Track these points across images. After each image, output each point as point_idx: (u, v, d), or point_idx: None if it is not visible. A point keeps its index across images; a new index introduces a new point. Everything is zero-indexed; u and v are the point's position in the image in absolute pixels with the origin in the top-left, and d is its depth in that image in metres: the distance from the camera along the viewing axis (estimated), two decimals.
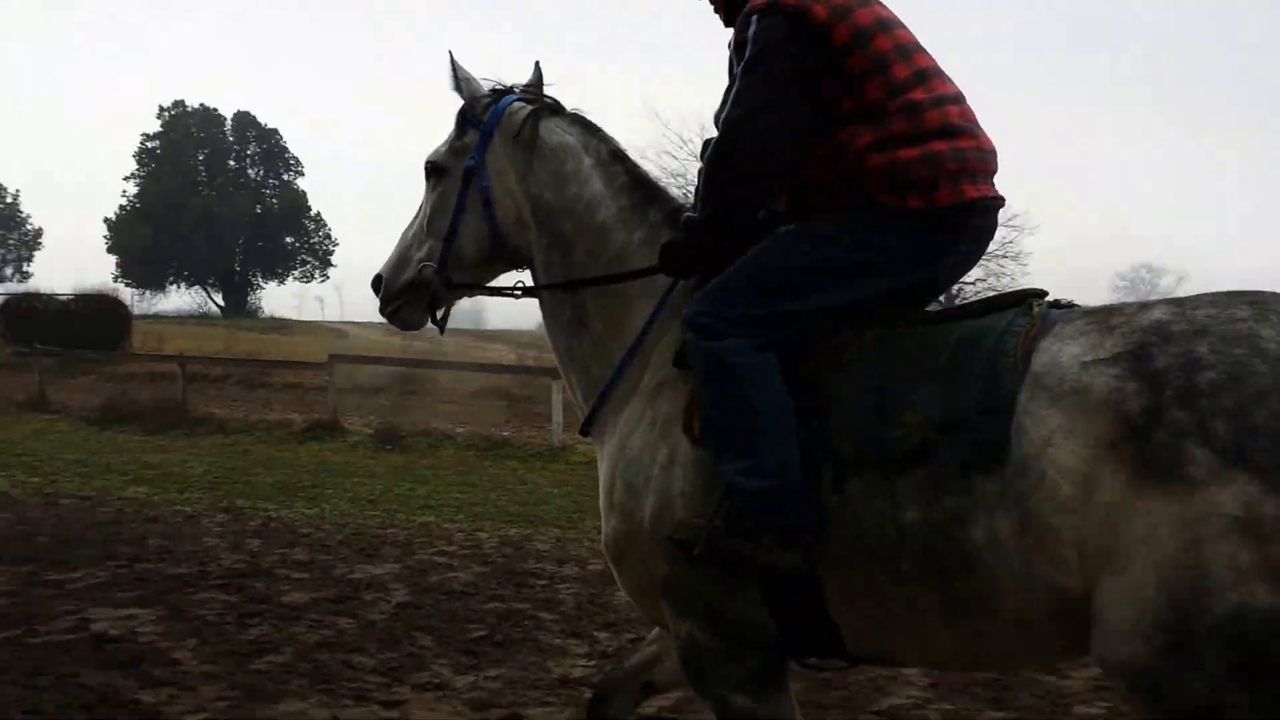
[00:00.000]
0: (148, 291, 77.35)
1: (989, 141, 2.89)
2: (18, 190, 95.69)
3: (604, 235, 3.17)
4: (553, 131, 3.27)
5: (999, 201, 2.89)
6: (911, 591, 2.53)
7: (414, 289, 3.30)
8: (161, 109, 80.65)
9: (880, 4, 2.89)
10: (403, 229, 3.41)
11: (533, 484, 11.86)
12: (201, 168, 79.59)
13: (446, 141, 3.37)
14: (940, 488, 2.47)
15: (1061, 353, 2.45)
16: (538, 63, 3.40)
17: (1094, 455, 2.30)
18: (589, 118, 3.33)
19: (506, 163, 3.26)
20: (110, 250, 77.92)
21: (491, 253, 3.30)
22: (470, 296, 3.49)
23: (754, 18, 2.81)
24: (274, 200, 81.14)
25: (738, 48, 2.89)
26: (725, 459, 2.70)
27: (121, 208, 78.95)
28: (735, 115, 2.80)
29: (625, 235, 3.16)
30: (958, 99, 2.86)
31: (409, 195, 3.55)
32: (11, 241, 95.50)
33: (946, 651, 2.70)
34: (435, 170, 3.35)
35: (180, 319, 60.21)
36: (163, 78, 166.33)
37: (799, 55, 2.75)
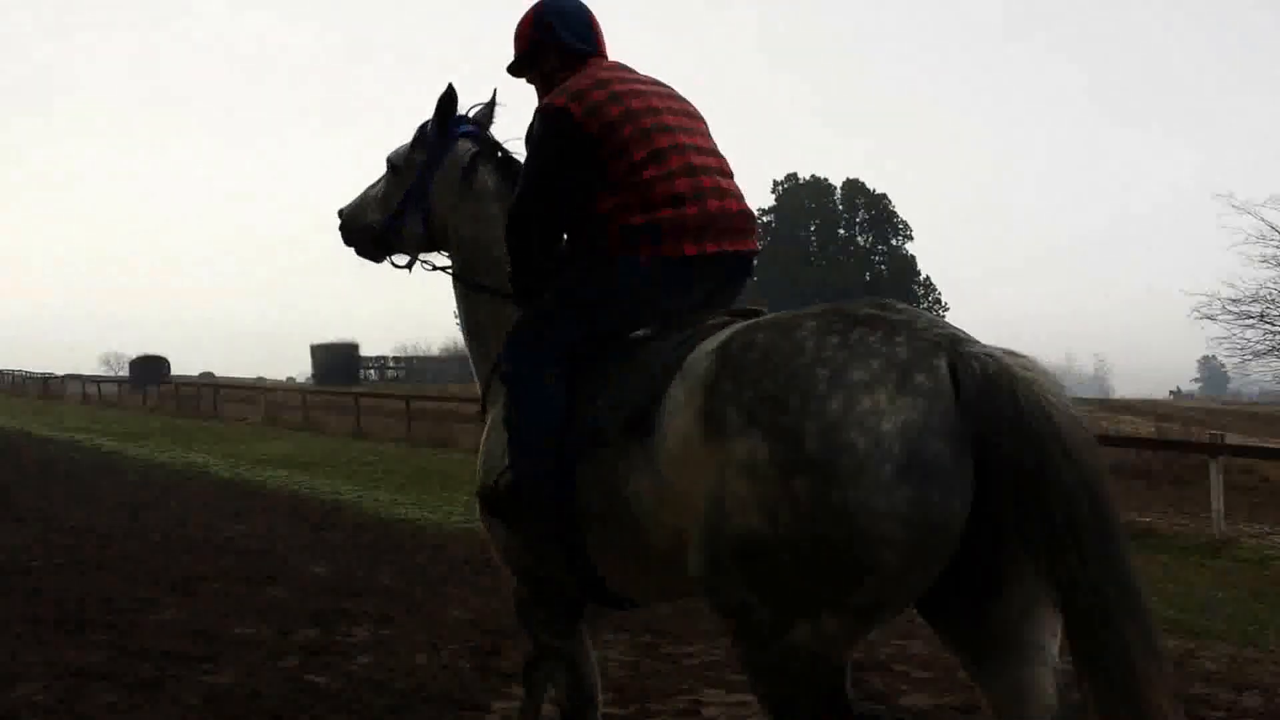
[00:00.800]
0: None
1: (726, 204, 3.57)
2: None
3: (497, 267, 4.00)
4: (480, 177, 4.15)
5: (727, 256, 3.56)
6: (615, 540, 3.26)
7: (366, 234, 4.42)
8: (775, 183, 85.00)
9: (639, 97, 3.60)
10: (368, 183, 4.53)
11: (1190, 584, 9.93)
12: (813, 238, 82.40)
13: (407, 148, 4.30)
14: (619, 459, 3.16)
15: (701, 348, 3.08)
16: (495, 90, 4.35)
17: (692, 421, 2.90)
18: (511, 158, 4.18)
19: (445, 191, 4.20)
20: None
21: (425, 242, 4.31)
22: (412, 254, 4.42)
23: (537, 117, 3.65)
24: (883, 266, 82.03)
25: (527, 140, 3.73)
26: (508, 450, 3.56)
27: None
28: (516, 197, 3.71)
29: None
30: (691, 170, 3.53)
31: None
32: None
33: (657, 589, 3.54)
34: (393, 168, 4.34)
35: None
36: (777, 154, 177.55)
37: (562, 148, 3.55)
